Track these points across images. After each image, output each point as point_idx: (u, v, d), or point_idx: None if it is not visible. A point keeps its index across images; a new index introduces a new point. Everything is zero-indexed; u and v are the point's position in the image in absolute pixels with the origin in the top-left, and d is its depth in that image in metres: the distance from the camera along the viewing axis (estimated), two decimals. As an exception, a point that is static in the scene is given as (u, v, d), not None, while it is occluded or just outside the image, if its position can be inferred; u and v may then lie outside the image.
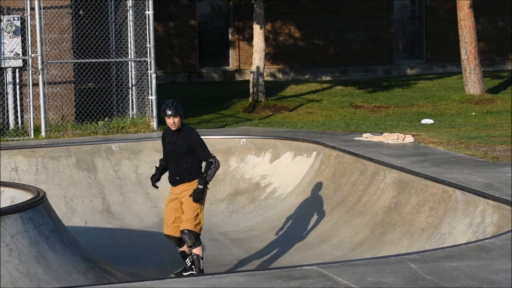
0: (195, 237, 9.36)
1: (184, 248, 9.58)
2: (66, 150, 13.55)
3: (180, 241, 9.54)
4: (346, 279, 6.13)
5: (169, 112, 9.20)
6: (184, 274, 9.48)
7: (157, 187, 9.78)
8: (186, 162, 9.37)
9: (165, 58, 26.49)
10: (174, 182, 9.48)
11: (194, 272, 9.40)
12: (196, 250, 9.43)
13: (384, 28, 28.98)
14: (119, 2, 16.62)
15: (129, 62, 16.38)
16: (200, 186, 9.25)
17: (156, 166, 9.82)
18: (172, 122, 9.27)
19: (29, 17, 15.18)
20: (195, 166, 9.44)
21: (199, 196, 9.22)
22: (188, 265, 9.52)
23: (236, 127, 16.49)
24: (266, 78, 24.23)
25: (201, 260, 9.48)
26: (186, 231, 9.34)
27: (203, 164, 9.43)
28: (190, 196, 9.32)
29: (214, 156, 9.37)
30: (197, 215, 9.32)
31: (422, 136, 14.13)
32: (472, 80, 21.64)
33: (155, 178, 9.71)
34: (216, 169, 9.30)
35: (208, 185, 9.42)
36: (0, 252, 7.95)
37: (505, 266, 6.49)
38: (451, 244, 8.73)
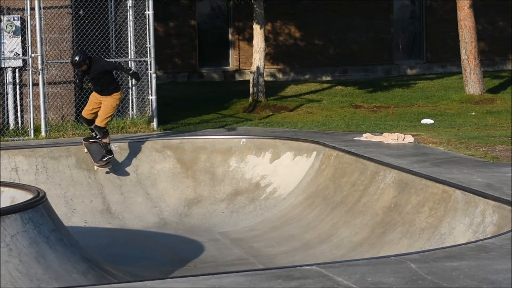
0: (103, 132, 12.89)
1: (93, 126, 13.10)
2: (66, 150, 13.56)
3: (90, 123, 13.08)
4: (346, 279, 6.13)
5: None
6: (90, 140, 13.18)
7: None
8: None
9: (165, 58, 26.48)
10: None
11: (99, 140, 13.04)
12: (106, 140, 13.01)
13: (384, 28, 28.97)
14: (119, 2, 16.61)
15: (129, 62, 16.38)
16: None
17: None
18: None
19: (29, 17, 15.17)
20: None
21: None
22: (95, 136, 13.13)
23: (236, 127, 16.48)
24: (266, 78, 24.22)
25: (108, 145, 13.06)
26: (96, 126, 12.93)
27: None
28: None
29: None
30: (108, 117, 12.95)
31: (422, 136, 14.13)
32: (472, 80, 21.63)
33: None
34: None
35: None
36: (0, 252, 7.95)
37: (505, 266, 6.49)
38: (451, 244, 8.73)
